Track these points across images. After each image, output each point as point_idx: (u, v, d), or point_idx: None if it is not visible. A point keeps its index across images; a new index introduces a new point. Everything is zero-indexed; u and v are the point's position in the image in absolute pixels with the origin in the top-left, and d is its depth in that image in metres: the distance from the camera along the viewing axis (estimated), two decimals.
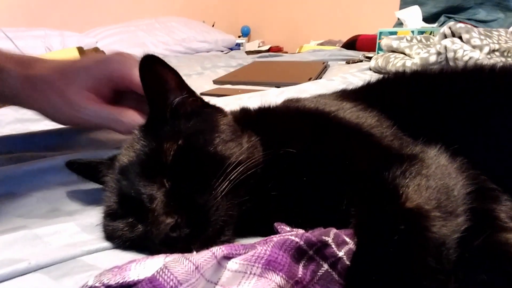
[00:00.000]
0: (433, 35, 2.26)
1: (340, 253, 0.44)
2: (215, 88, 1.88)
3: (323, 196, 0.57)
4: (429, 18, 3.13)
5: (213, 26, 4.73)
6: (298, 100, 0.73)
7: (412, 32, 2.36)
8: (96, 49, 2.21)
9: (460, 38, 1.67)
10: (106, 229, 0.59)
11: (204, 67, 2.41)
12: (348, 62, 2.49)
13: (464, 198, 0.48)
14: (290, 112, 0.68)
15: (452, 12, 3.29)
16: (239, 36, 5.27)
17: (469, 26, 1.73)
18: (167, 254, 0.47)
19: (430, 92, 0.68)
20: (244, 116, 0.71)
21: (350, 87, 1.54)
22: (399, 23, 2.92)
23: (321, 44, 4.10)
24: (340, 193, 0.54)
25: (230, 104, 1.40)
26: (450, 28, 1.73)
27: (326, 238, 0.45)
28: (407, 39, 1.99)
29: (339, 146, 0.58)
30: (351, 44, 3.34)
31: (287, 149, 0.59)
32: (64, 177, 0.76)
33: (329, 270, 0.45)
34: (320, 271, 0.45)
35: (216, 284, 0.43)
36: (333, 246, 0.45)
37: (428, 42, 2.00)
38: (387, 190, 0.48)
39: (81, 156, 0.79)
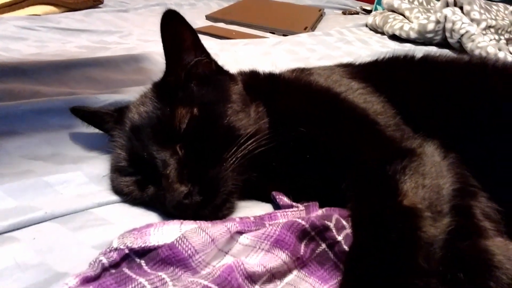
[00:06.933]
0: None
1: (339, 237, 0.50)
2: (208, 25, 1.82)
3: (323, 175, 0.61)
4: None
5: None
6: (310, 73, 0.74)
7: None
8: None
9: (461, 8, 1.67)
10: (114, 183, 0.62)
11: None
12: (344, 13, 2.44)
13: (450, 196, 0.54)
14: (301, 87, 0.70)
15: None
16: None
17: None
18: (182, 221, 0.51)
19: (435, 84, 0.70)
20: (254, 82, 0.72)
21: (348, 46, 1.56)
22: None
23: None
24: (339, 175, 0.59)
25: (225, 50, 1.38)
26: None
27: (328, 223, 0.50)
28: (409, 0, 1.96)
29: (345, 132, 0.61)
30: None
31: (295, 126, 0.62)
32: (65, 120, 0.76)
33: (326, 249, 0.51)
34: (318, 249, 0.51)
35: (226, 253, 0.48)
36: (333, 230, 0.50)
37: (429, 6, 1.98)
38: (387, 184, 0.53)
39: (81, 101, 0.79)
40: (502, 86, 0.69)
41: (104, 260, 0.43)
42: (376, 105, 0.67)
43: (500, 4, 1.86)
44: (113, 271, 0.43)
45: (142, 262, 0.45)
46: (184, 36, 0.63)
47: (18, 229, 0.51)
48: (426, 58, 0.77)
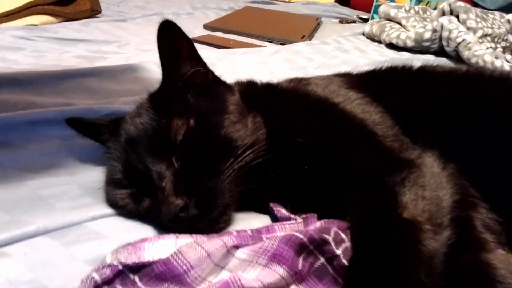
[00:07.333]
0: (429, 6, 2.24)
1: (338, 251, 0.49)
2: (205, 34, 1.82)
3: (322, 186, 0.60)
4: None
5: None
6: (308, 83, 0.73)
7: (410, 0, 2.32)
8: None
9: (457, 17, 1.68)
10: (109, 195, 0.61)
11: (194, 7, 2.29)
12: (341, 21, 2.45)
13: (450, 208, 0.53)
14: (299, 97, 0.69)
15: None
16: None
17: (468, 6, 1.73)
18: (177, 235, 0.50)
19: (433, 94, 0.70)
20: (251, 92, 0.72)
21: (345, 55, 1.57)
22: None
23: None
24: (338, 186, 0.58)
25: (223, 59, 1.38)
26: (449, 5, 1.72)
27: (327, 237, 0.49)
28: (405, 9, 1.97)
29: (344, 142, 0.60)
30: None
31: (292, 137, 0.61)
32: (60, 131, 0.75)
33: (325, 263, 0.50)
34: (316, 263, 0.50)
35: (223, 268, 0.47)
36: (332, 244, 0.49)
37: (425, 15, 1.99)
38: (386, 196, 0.52)
39: (76, 112, 0.78)
40: (499, 96, 0.69)
41: (97, 277, 0.42)
42: (374, 115, 0.66)
43: (496, 13, 1.88)
44: None
45: (136, 278, 0.44)
46: (180, 47, 0.63)
47: (9, 244, 0.50)
48: (423, 69, 0.77)
